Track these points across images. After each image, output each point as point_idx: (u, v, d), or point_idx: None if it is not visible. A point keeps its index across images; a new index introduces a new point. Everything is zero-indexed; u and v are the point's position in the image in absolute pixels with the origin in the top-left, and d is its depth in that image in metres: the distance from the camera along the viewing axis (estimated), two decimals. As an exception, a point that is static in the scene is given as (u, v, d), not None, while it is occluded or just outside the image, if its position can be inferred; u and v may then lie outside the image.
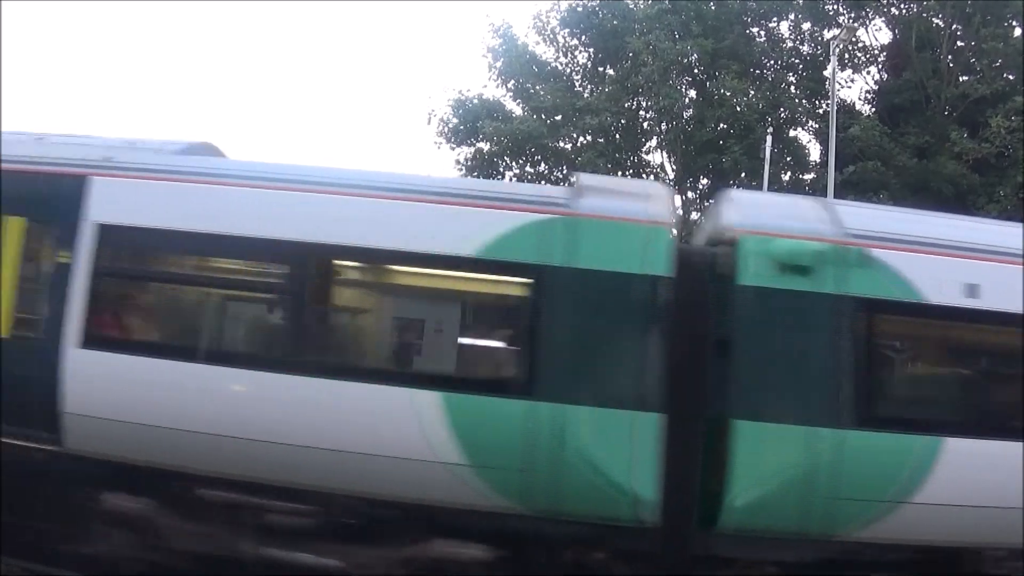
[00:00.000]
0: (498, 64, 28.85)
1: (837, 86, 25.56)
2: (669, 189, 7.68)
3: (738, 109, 25.96)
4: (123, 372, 6.70)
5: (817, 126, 27.35)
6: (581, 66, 29.79)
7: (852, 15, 26.91)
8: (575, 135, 28.14)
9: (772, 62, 28.65)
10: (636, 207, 6.64)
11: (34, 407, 6.74)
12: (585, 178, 7.37)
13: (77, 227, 6.89)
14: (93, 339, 6.76)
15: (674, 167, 28.64)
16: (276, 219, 6.74)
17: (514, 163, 28.58)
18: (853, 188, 23.65)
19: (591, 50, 29.23)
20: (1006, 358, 6.80)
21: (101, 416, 6.61)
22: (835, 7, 27.41)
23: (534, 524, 6.41)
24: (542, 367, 6.36)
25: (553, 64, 29.65)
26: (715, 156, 26.35)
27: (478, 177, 26.14)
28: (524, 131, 26.88)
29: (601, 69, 29.37)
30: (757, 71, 28.35)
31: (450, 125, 28.60)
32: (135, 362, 6.73)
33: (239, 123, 60.54)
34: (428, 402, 6.31)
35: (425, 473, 6.29)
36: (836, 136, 22.87)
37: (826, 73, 26.54)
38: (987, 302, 6.41)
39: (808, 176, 28.43)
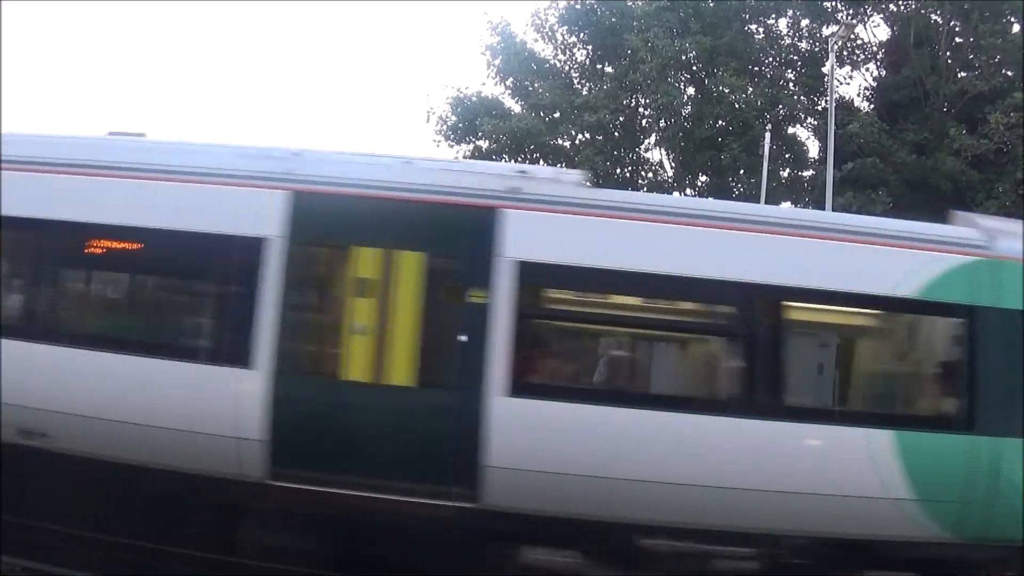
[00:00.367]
0: (497, 62, 28.84)
1: (836, 83, 25.48)
2: None
3: (736, 106, 25.89)
4: (556, 421, 6.59)
5: (816, 123, 27.31)
6: (579, 64, 29.80)
7: (850, 12, 26.82)
8: (574, 132, 28.14)
9: (770, 59, 28.61)
10: None
11: (445, 461, 6.56)
12: (986, 221, 7.55)
13: (490, 263, 6.69)
14: (521, 387, 6.59)
15: (672, 164, 28.69)
16: (724, 261, 6.84)
17: (513, 161, 28.53)
18: (852, 185, 23.67)
19: (589, 47, 29.23)
20: None
21: (531, 469, 6.48)
22: (833, 4, 27.32)
23: (958, 551, 6.76)
24: (981, 403, 6.75)
25: (551, 62, 29.64)
26: (714, 153, 26.31)
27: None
28: (523, 128, 26.91)
29: (599, 66, 29.36)
30: (755, 68, 28.33)
31: (449, 123, 28.63)
32: (574, 410, 6.64)
33: (239, 122, 60.53)
34: (882, 440, 6.61)
35: (874, 510, 6.57)
36: (835, 133, 22.81)
37: (824, 70, 26.46)
38: None
39: (807, 173, 28.47)
